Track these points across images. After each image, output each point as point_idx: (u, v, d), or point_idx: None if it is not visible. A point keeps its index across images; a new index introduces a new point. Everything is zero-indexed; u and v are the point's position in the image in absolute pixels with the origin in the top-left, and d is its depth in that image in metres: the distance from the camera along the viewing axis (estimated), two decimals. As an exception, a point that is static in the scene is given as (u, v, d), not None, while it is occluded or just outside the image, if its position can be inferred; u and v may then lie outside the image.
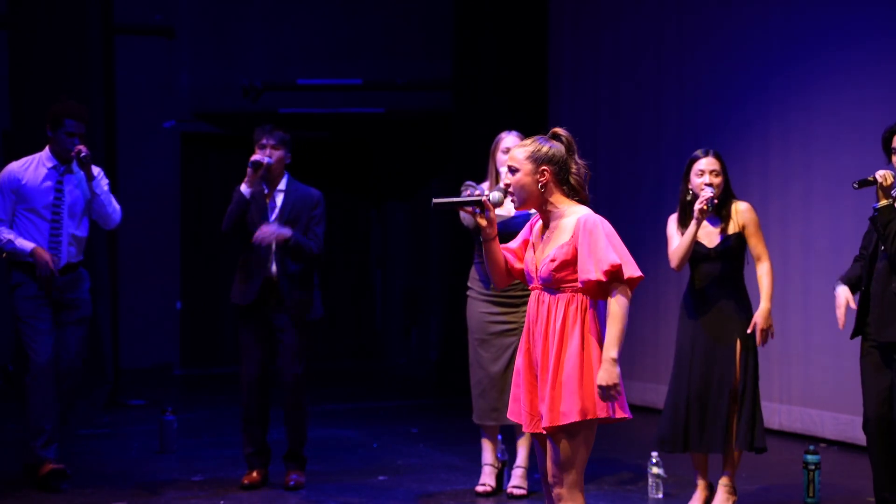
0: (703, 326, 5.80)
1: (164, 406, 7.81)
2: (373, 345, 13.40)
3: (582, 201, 4.15)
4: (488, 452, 6.40)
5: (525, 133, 6.08)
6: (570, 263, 4.06)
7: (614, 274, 3.99)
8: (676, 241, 5.80)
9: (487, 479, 6.37)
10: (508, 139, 6.27)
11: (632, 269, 4.00)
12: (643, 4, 9.76)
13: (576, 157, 4.17)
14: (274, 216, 6.38)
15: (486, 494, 6.32)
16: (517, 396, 4.23)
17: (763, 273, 5.83)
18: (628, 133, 9.84)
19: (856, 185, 5.34)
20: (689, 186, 5.81)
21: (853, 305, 5.37)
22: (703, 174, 5.76)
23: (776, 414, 8.15)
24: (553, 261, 4.07)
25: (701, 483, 5.90)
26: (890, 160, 5.32)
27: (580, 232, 4.04)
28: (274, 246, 6.32)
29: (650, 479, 6.27)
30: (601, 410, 4.01)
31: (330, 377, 11.54)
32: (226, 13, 12.29)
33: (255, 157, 6.34)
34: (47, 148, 6.53)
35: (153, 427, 7.87)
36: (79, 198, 6.54)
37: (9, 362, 10.29)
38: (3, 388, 10.39)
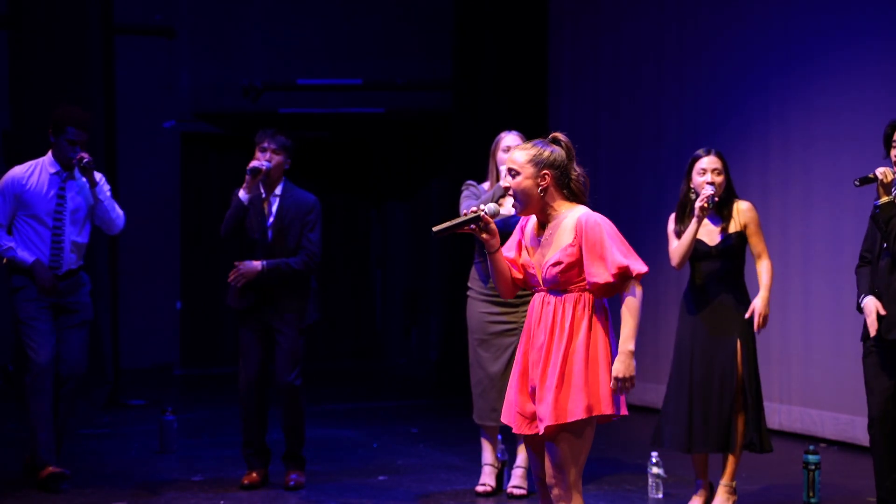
0: (702, 321, 5.82)
1: (164, 406, 7.81)
2: (373, 345, 13.39)
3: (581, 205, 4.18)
4: (488, 452, 6.39)
5: (525, 133, 6.09)
6: (575, 265, 4.09)
7: (622, 275, 4.03)
8: (676, 239, 5.81)
9: (487, 479, 6.37)
10: (509, 138, 6.26)
11: (638, 266, 4.06)
12: (643, 4, 9.76)
13: (574, 163, 4.18)
14: (270, 222, 6.40)
15: (486, 494, 6.32)
16: (511, 399, 4.24)
17: (763, 269, 5.85)
18: (628, 133, 9.84)
19: (857, 183, 5.33)
20: (691, 185, 5.81)
21: (882, 312, 5.31)
22: (705, 173, 5.77)
23: (776, 414, 8.14)
24: (558, 264, 4.09)
25: (701, 483, 5.90)
26: (888, 155, 5.31)
27: (582, 233, 4.06)
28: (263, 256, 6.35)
29: (650, 479, 6.27)
30: (606, 407, 4.03)
31: (330, 377, 11.53)
32: (226, 13, 12.28)
33: (254, 163, 6.35)
34: (50, 152, 6.48)
35: (153, 427, 7.87)
36: (81, 204, 6.50)
37: (9, 362, 10.28)
38: (3, 388, 10.38)
